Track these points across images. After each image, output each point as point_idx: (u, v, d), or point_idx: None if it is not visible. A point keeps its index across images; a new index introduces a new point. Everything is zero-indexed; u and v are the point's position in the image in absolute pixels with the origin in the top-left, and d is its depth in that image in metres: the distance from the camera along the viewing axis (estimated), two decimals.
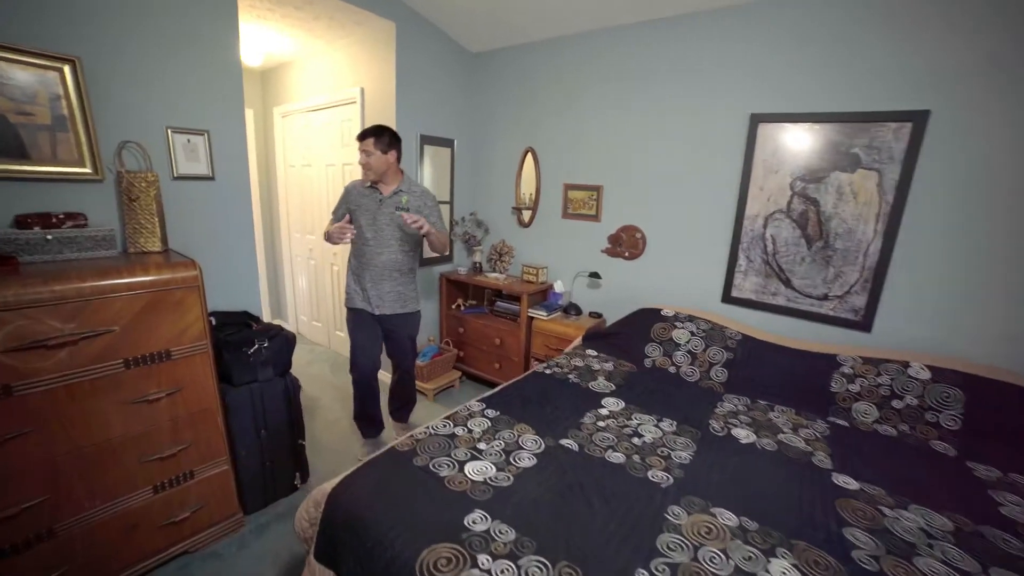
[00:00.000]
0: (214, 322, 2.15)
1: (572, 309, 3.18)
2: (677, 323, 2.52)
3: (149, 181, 1.88)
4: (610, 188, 3.02)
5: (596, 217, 3.10)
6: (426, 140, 3.24)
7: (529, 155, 3.34)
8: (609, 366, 2.39)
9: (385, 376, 2.89)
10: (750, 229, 2.52)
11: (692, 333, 2.45)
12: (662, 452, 1.67)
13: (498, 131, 3.51)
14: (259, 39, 3.25)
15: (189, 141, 2.06)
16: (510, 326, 3.20)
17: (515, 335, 3.14)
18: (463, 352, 3.48)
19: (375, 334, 2.43)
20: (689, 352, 2.40)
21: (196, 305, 1.72)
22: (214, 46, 2.10)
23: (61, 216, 1.73)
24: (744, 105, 2.44)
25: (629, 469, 1.55)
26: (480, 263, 3.56)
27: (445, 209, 3.52)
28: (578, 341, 2.73)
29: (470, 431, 1.74)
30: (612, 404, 2.02)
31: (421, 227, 2.11)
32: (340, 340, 3.92)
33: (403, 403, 2.74)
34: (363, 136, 2.19)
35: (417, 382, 3.22)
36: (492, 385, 3.39)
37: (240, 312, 2.30)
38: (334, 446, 2.71)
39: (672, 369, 2.40)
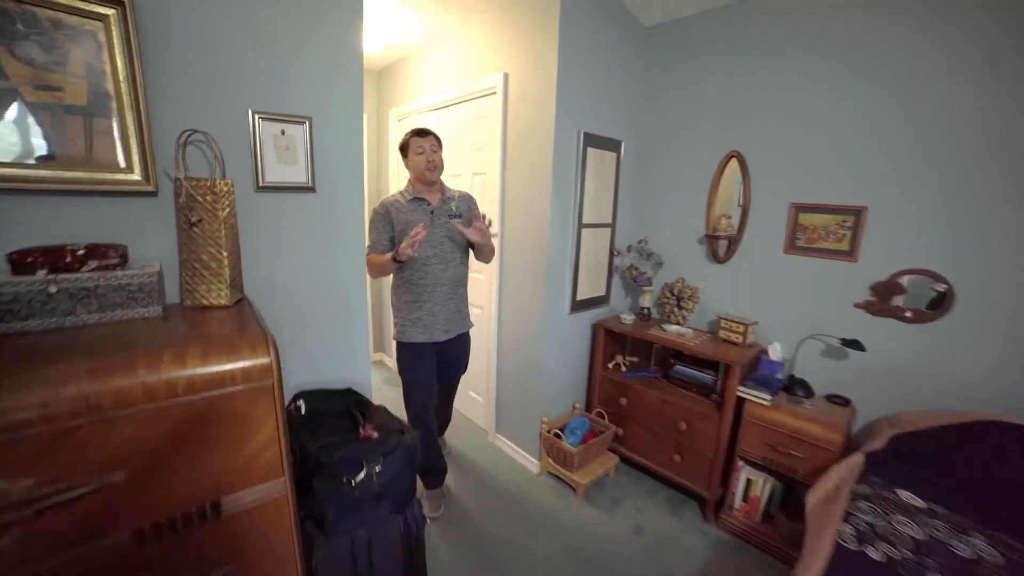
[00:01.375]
0: (303, 409, 1.41)
1: (798, 387, 2.11)
2: None
3: (219, 193, 1.16)
4: (879, 211, 1.93)
5: (850, 255, 2.02)
6: (589, 141, 2.36)
7: (732, 162, 2.34)
8: (981, 544, 1.26)
9: None
10: None
11: None
12: None
13: (682, 130, 2.54)
14: (383, 18, 2.60)
15: (284, 133, 1.34)
16: (703, 406, 2.19)
17: (712, 420, 2.13)
18: (622, 429, 2.52)
19: (434, 375, 2.14)
20: None
21: (268, 419, 0.95)
22: None
23: (80, 252, 1.05)
24: None
25: None
26: (648, 309, 2.60)
27: (606, 234, 2.61)
28: (857, 459, 1.62)
29: None
30: None
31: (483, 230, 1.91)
32: None
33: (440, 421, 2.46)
34: (427, 132, 1.97)
35: (565, 472, 2.34)
36: (661, 479, 2.41)
37: (342, 391, 1.54)
38: (455, 562, 1.88)
39: None
